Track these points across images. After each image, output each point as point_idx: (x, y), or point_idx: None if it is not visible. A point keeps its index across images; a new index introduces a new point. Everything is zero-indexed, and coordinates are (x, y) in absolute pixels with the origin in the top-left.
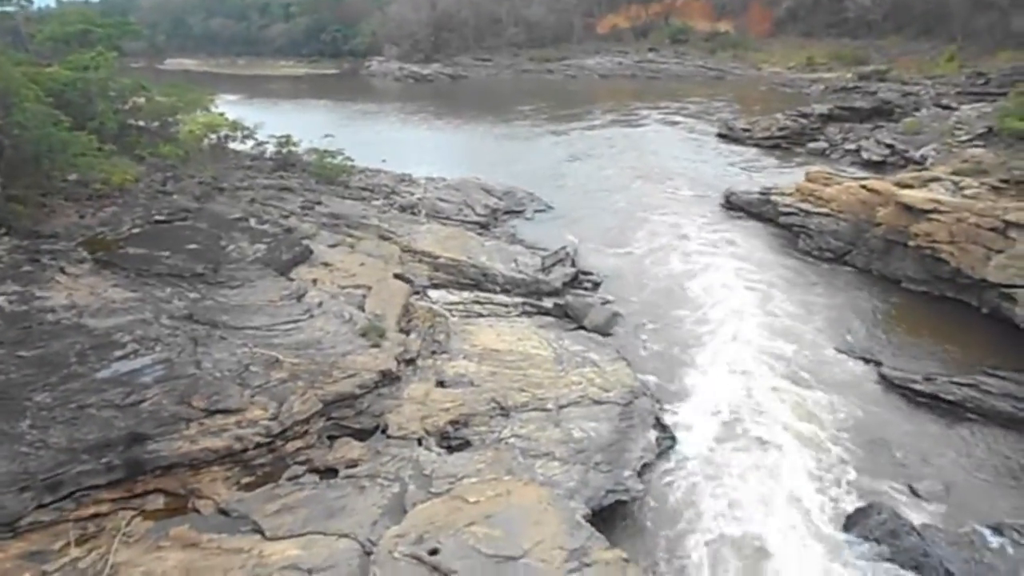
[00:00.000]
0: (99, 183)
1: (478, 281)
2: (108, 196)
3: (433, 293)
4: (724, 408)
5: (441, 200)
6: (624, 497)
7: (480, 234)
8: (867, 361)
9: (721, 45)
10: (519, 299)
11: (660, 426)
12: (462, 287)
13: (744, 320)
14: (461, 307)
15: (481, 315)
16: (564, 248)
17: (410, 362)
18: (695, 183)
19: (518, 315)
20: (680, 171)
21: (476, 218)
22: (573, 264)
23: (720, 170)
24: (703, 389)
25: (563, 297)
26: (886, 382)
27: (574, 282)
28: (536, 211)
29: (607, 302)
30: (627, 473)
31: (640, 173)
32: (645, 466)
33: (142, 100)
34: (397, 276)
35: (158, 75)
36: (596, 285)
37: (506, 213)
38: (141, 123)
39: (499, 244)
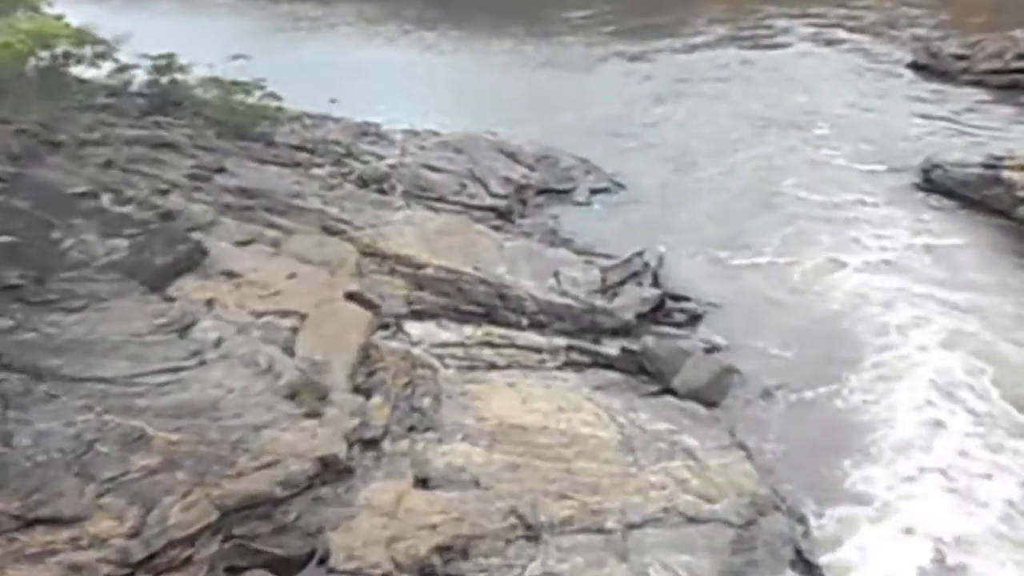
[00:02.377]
0: None
1: (491, 308)
2: None
3: (413, 327)
4: (926, 539)
5: (431, 169)
6: None
7: (497, 228)
8: None
9: None
10: (562, 340)
11: (804, 563)
12: (464, 318)
13: (958, 392)
14: (461, 352)
15: (496, 366)
16: (641, 255)
17: (371, 444)
18: (870, 147)
19: (559, 367)
20: (845, 125)
21: (491, 201)
22: (656, 282)
23: (913, 125)
24: (885, 505)
25: (638, 338)
26: None
27: (657, 312)
28: (593, 190)
29: (713, 348)
30: None
31: (774, 127)
32: None
33: None
34: (351, 297)
35: None
36: (695, 319)
37: (542, 193)
38: None
39: (529, 246)
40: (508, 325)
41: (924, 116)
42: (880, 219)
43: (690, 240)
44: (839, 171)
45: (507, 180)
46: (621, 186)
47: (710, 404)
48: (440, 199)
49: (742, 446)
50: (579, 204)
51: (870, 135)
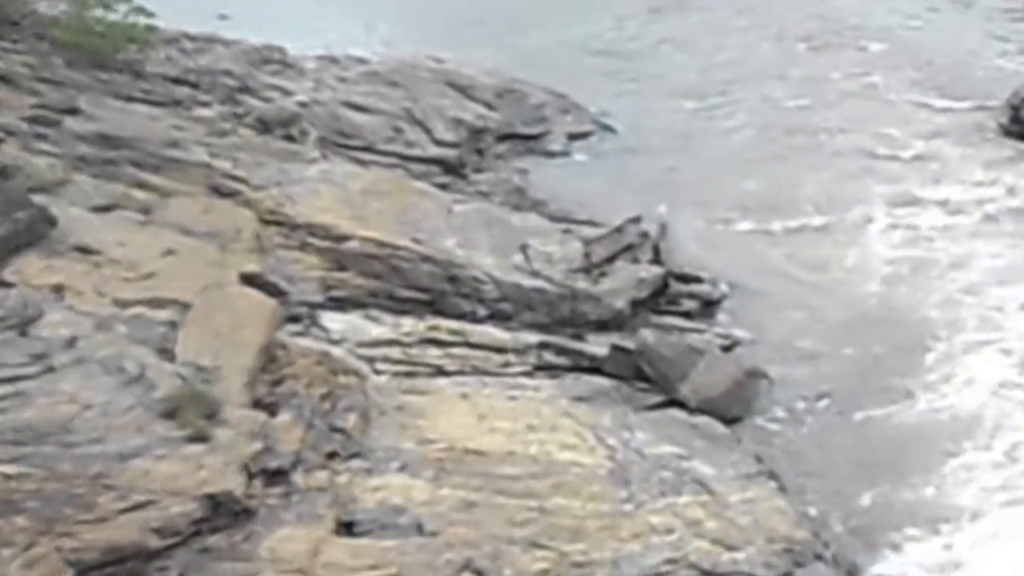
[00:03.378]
0: None
1: (437, 294)
2: None
3: (333, 320)
4: None
5: (355, 109)
6: None
7: (444, 186)
8: None
9: None
10: (532, 337)
11: None
12: (401, 308)
13: None
14: (398, 353)
15: (444, 371)
16: (637, 222)
17: (278, 477)
18: (939, 74)
19: (528, 372)
20: (906, 45)
21: (436, 151)
22: (657, 258)
23: (998, 48)
24: (959, 558)
25: (634, 333)
26: None
27: (660, 298)
28: (573, 136)
29: (733, 344)
30: None
31: (812, 48)
32: None
33: None
34: (249, 280)
35: None
36: (709, 306)
37: (504, 140)
38: None
39: (487, 210)
40: (460, 317)
41: (1014, 37)
42: (951, 170)
43: (703, 201)
44: (897, 106)
45: (457, 123)
46: (610, 129)
47: (730, 420)
48: (368, 148)
49: (772, 475)
50: (554, 154)
51: (939, 59)
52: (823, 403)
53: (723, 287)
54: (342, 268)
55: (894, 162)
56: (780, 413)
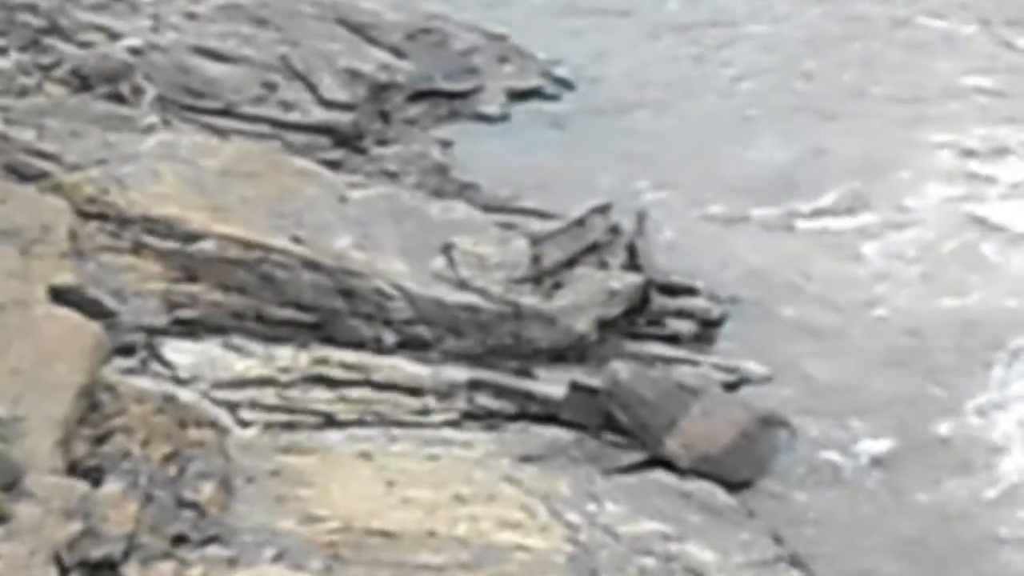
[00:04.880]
0: None
1: (327, 315)
2: None
3: (179, 350)
4: None
5: (209, 56)
6: None
7: (336, 164)
8: None
9: None
10: (460, 372)
11: None
12: (275, 333)
13: None
14: (272, 397)
15: (336, 422)
16: (604, 212)
17: (105, 570)
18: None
19: (455, 421)
20: None
21: (323, 115)
22: (634, 261)
23: None
24: None
25: (602, 366)
26: None
27: (638, 317)
28: (515, 94)
29: (740, 381)
30: None
31: None
32: None
33: None
34: (61, 295)
35: None
36: (707, 327)
37: (419, 99)
38: None
39: (396, 196)
40: (359, 345)
41: None
42: None
43: (695, 181)
44: (957, 44)
45: (353, 76)
46: (565, 83)
47: (737, 485)
48: (228, 112)
49: (796, 560)
50: (489, 118)
51: None
52: (861, 462)
53: (726, 302)
54: (193, 279)
55: (954, 127)
56: (805, 476)
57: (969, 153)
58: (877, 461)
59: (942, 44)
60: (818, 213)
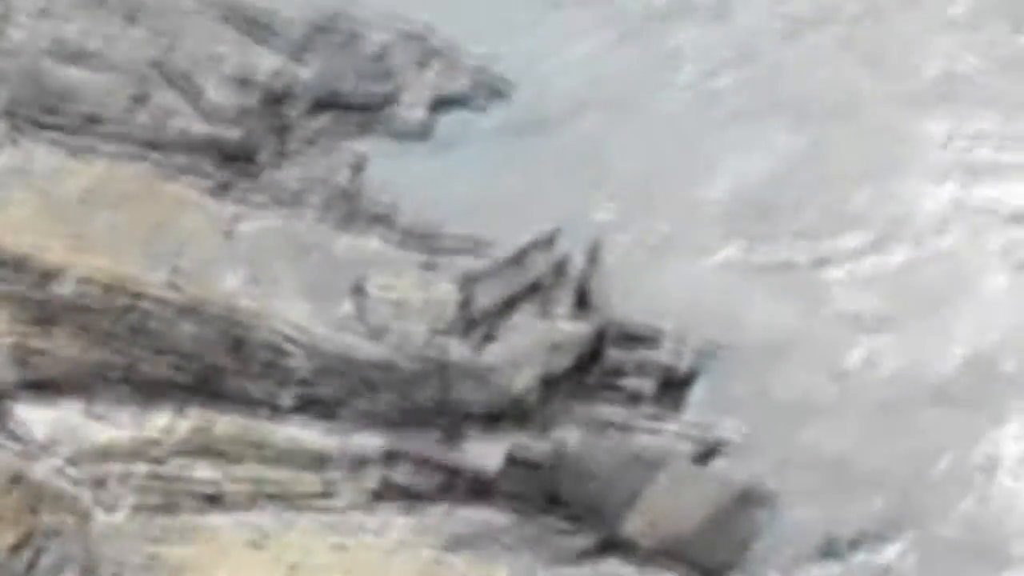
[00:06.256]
0: None
1: (210, 370)
2: None
3: (31, 415)
4: None
5: (68, 59)
6: None
7: (223, 188)
8: None
9: None
10: (374, 440)
11: None
12: (148, 392)
13: None
14: (144, 472)
15: (223, 503)
16: (549, 244)
17: None
18: None
19: (367, 502)
20: None
21: (206, 128)
22: (584, 304)
23: None
24: None
25: (545, 432)
26: None
27: (589, 372)
28: (441, 101)
29: (710, 449)
30: None
31: None
32: None
33: None
34: None
35: None
36: (674, 385)
37: (322, 109)
38: None
39: (294, 228)
40: (250, 409)
41: None
42: None
43: (656, 205)
44: (949, 34)
45: (243, 82)
46: (501, 89)
47: (709, 573)
48: (91, 127)
49: None
50: (408, 133)
51: None
52: (854, 544)
53: (696, 353)
54: (48, 321)
55: (948, 124)
56: (793, 561)
57: (971, 169)
58: (872, 544)
59: (932, 30)
60: (801, 239)
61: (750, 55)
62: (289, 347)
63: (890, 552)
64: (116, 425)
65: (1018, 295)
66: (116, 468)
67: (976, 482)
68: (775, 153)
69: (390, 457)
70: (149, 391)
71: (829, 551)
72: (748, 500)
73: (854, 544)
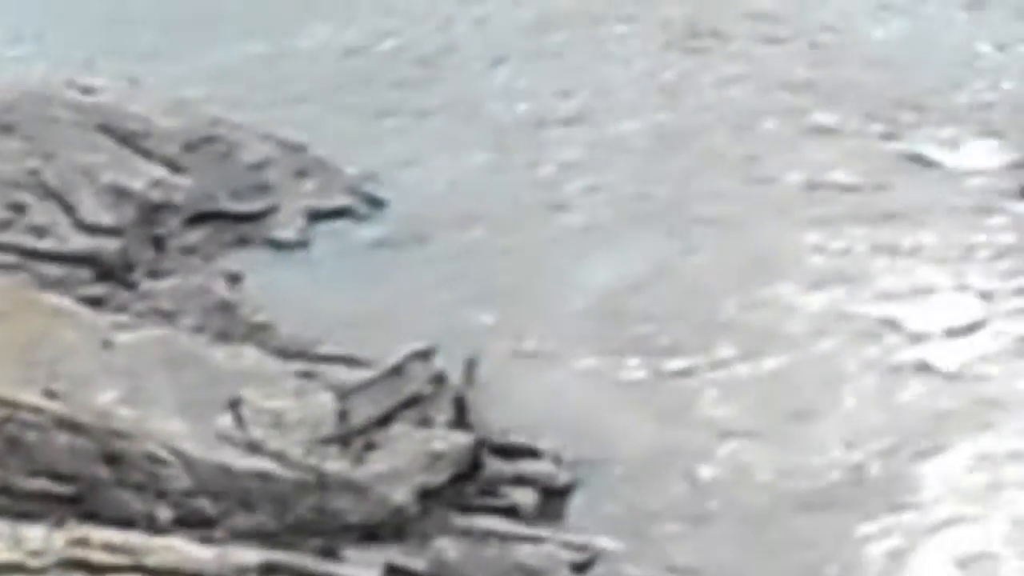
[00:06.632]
0: None
1: (88, 484)
2: None
3: None
4: None
5: None
6: None
7: (98, 302)
8: None
9: None
10: (251, 555)
11: None
12: (23, 508)
13: None
14: None
15: None
16: (426, 357)
17: None
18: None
19: None
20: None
21: (83, 242)
22: (462, 417)
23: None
24: None
25: (425, 545)
26: None
27: (467, 485)
28: (316, 214)
29: (588, 560)
30: None
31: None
32: None
33: None
34: None
35: None
36: (553, 496)
37: (200, 222)
38: None
39: (173, 340)
40: (127, 523)
41: None
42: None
43: (535, 321)
44: (820, 139)
45: (120, 194)
46: (377, 202)
47: None
48: None
49: None
50: (285, 245)
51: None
52: None
53: (575, 465)
54: None
55: (822, 225)
56: None
57: (842, 277)
58: None
59: (802, 138)
60: (672, 349)
61: (622, 164)
62: (167, 460)
63: None
64: None
65: (888, 400)
66: None
67: None
68: (647, 262)
69: (268, 571)
70: (24, 505)
71: None
72: None
73: None
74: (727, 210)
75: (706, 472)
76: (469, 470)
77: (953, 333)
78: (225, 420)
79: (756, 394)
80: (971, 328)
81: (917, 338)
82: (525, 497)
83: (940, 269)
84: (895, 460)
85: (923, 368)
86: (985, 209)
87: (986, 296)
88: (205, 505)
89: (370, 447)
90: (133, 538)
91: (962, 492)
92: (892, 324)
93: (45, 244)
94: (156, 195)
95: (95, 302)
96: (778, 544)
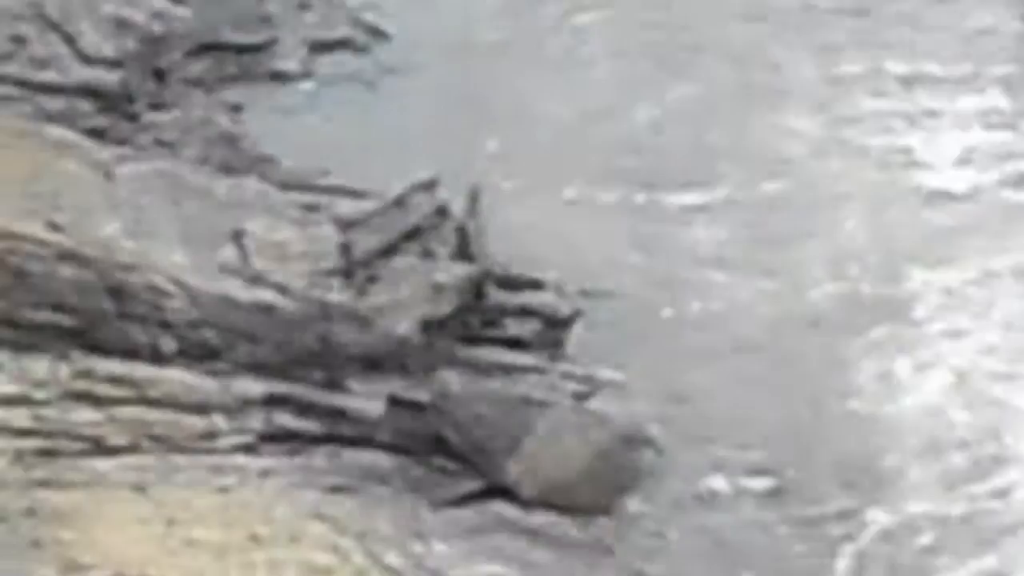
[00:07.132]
0: None
1: (91, 317)
2: None
3: None
4: None
5: None
6: None
7: (100, 134)
8: None
9: None
10: (255, 386)
11: None
12: (28, 341)
13: None
14: (26, 418)
15: (105, 448)
16: (430, 189)
17: None
18: None
19: (248, 448)
20: None
21: (83, 73)
22: (465, 248)
23: None
24: None
25: (428, 378)
26: None
27: (471, 317)
28: (322, 46)
29: (590, 391)
30: None
31: None
32: None
33: None
34: None
35: None
36: (556, 327)
37: (202, 53)
38: None
39: (174, 173)
40: (131, 354)
41: None
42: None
43: (541, 152)
44: None
45: (121, 25)
46: (381, 34)
47: (589, 513)
48: None
49: None
50: (288, 77)
51: None
52: (741, 486)
53: (579, 297)
54: None
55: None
56: (673, 504)
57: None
58: (759, 486)
59: None
60: (678, 179)
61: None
62: (170, 292)
63: (769, 494)
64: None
65: (877, 228)
66: None
67: (844, 410)
68: (669, 102)
69: (272, 402)
70: (28, 337)
71: (717, 494)
72: (630, 442)
73: (746, 483)
74: (724, 38)
75: (701, 302)
76: (472, 302)
77: (953, 159)
78: (228, 252)
79: (750, 225)
80: (970, 153)
81: (918, 164)
82: (527, 329)
83: (941, 95)
84: (889, 279)
85: (921, 191)
86: (989, 32)
87: (987, 124)
88: (209, 337)
89: (373, 279)
90: (137, 369)
91: (956, 306)
92: (894, 150)
93: (45, 76)
94: (157, 26)
95: (97, 134)
96: (774, 371)
